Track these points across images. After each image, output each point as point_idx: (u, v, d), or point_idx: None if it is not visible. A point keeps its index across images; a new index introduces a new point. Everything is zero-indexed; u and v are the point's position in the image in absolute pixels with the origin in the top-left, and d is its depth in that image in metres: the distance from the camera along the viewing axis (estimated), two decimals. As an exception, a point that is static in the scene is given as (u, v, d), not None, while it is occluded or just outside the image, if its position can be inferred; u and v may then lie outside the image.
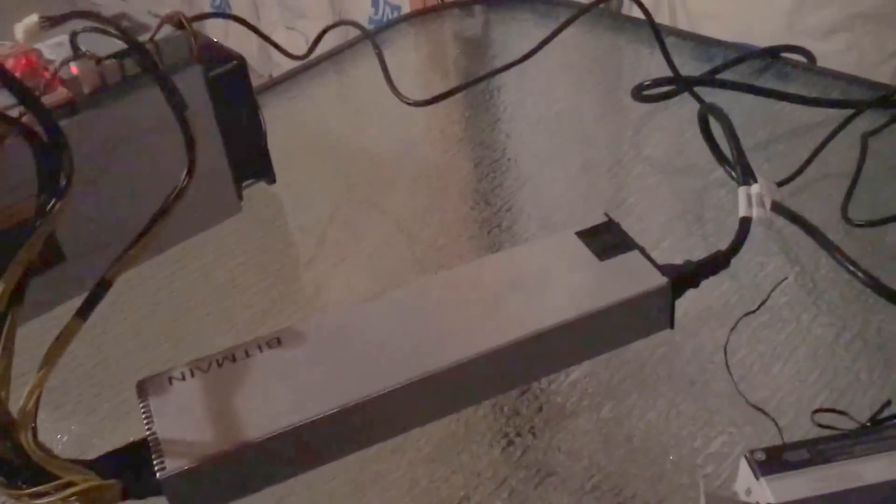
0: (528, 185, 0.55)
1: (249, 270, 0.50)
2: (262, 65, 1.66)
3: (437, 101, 0.60)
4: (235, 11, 1.73)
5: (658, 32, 0.61)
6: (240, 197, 0.53)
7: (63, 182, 0.38)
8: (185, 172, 0.41)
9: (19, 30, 0.42)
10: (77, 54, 0.43)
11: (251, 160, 0.53)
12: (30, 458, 0.34)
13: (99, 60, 0.44)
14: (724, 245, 0.41)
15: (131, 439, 0.36)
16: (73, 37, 0.43)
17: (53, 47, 0.45)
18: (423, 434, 0.39)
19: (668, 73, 0.60)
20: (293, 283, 0.50)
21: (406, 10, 1.34)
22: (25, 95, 0.38)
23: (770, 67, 0.63)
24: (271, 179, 0.55)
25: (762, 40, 0.64)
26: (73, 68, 0.44)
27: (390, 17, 1.47)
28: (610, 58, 0.70)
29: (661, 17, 0.85)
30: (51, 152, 0.39)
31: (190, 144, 0.41)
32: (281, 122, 0.58)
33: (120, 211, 0.46)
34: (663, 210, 0.51)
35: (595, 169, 0.57)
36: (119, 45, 0.44)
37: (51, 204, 0.38)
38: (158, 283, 0.49)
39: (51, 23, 0.42)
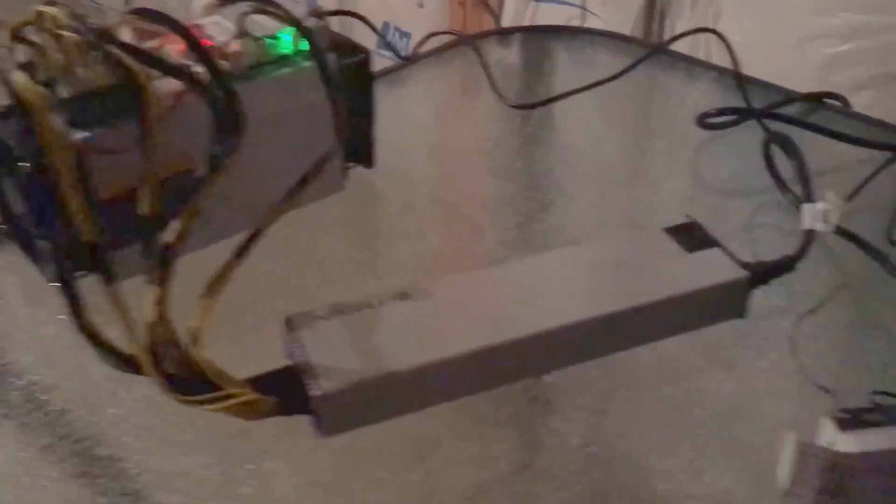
0: (605, 199, 0.61)
1: (351, 243, 0.56)
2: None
3: (536, 107, 0.66)
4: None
5: (736, 65, 0.68)
6: (345, 176, 0.58)
7: (235, 140, 0.44)
8: (330, 143, 0.46)
9: (198, 4, 0.47)
10: (242, 33, 0.49)
11: (359, 145, 0.59)
12: (197, 371, 0.39)
13: (258, 39, 0.50)
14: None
15: (273, 367, 0.41)
16: (242, 17, 0.49)
17: (211, 25, 0.51)
18: (525, 386, 0.44)
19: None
20: (394, 258, 0.56)
21: (415, 37, 1.40)
22: (209, 59, 0.44)
23: (813, 111, 0.70)
24: (370, 163, 0.60)
25: (794, 90, 0.71)
26: (235, 45, 0.49)
27: (399, 43, 1.52)
28: (679, 90, 0.76)
29: (701, 56, 0.92)
30: (225, 112, 0.44)
31: (338, 116, 0.47)
32: (382, 114, 0.63)
33: (267, 175, 0.51)
34: (721, 226, 0.58)
35: (663, 184, 0.63)
36: (268, 28, 0.50)
37: (224, 155, 0.43)
38: (274, 243, 0.54)
39: (225, 1, 0.48)
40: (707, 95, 0.73)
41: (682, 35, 0.72)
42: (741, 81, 0.67)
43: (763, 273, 0.47)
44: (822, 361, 0.46)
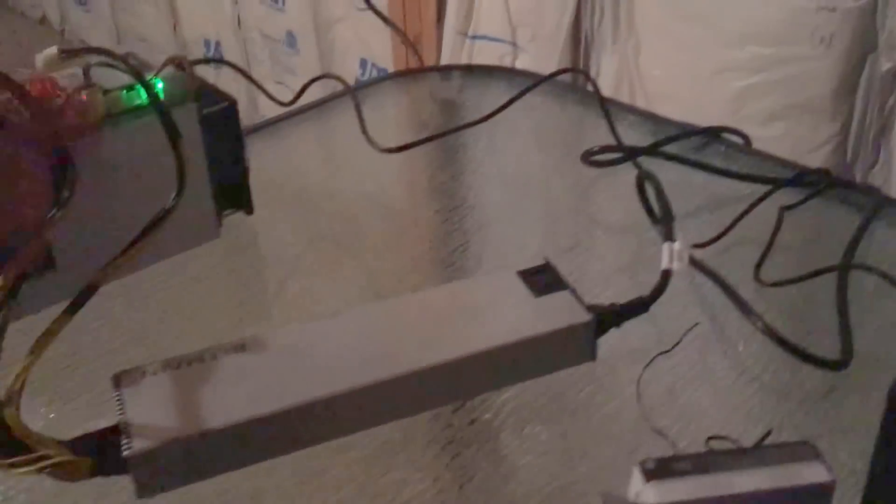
0: (482, 230, 0.61)
1: (223, 289, 0.55)
2: (249, 115, 1.74)
3: (406, 149, 0.66)
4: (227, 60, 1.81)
5: (604, 105, 0.68)
6: (219, 223, 0.58)
7: (66, 195, 0.43)
8: (174, 194, 0.46)
9: (40, 59, 0.47)
10: (88, 84, 0.49)
11: (233, 191, 0.59)
12: (11, 433, 0.38)
13: (106, 92, 0.50)
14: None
15: (103, 426, 0.41)
16: (87, 69, 0.49)
17: (68, 77, 0.51)
18: (365, 436, 0.43)
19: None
20: (261, 303, 0.56)
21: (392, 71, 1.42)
22: (46, 119, 0.44)
23: (709, 145, 0.69)
24: (250, 210, 0.60)
25: (709, 122, 0.71)
26: (84, 96, 0.49)
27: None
28: (569, 125, 0.77)
29: (621, 96, 0.93)
30: (56, 169, 0.44)
31: (180, 170, 0.47)
32: (263, 162, 0.63)
33: (111, 227, 0.51)
34: (600, 260, 0.57)
35: (544, 221, 0.63)
36: (125, 79, 0.50)
37: (52, 213, 0.43)
38: (139, 294, 0.54)
39: (68, 55, 0.48)
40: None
41: (547, 77, 0.72)
42: (609, 119, 0.67)
43: (614, 315, 0.47)
44: (667, 404, 0.45)
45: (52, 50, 0.46)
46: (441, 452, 0.44)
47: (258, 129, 0.72)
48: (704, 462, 0.36)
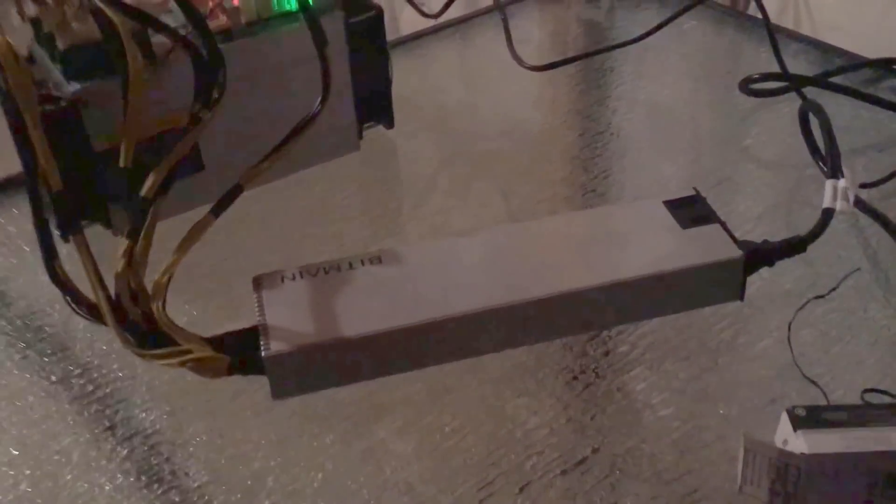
0: (626, 157, 0.58)
1: (360, 201, 0.55)
2: (390, 27, 1.72)
3: (552, 68, 0.64)
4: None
5: (770, 30, 0.63)
6: (360, 136, 0.58)
7: (215, 95, 0.44)
8: (318, 100, 0.46)
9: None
10: (239, -13, 0.49)
11: (375, 104, 0.58)
12: (157, 325, 0.40)
13: (256, -5, 0.49)
14: (807, 234, 0.44)
15: (242, 326, 0.42)
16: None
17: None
18: (497, 358, 0.43)
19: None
20: (396, 219, 0.55)
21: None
22: (195, 16, 0.44)
23: (881, 80, 0.64)
24: (390, 124, 0.60)
25: (881, 54, 0.65)
26: (235, 0, 0.49)
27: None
28: (727, 52, 0.72)
29: (786, 22, 0.86)
30: (208, 69, 0.44)
31: (326, 77, 0.46)
32: (405, 76, 0.62)
33: (256, 132, 0.51)
34: (753, 195, 0.54)
35: (693, 151, 0.60)
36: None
37: (202, 113, 0.43)
38: (280, 201, 0.54)
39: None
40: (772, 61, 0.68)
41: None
42: (774, 43, 0.62)
43: (766, 253, 0.44)
44: (819, 352, 0.42)
45: (208, -51, 0.46)
46: (573, 381, 0.43)
47: (402, 41, 0.71)
48: (860, 414, 0.34)
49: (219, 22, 0.49)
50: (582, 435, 0.40)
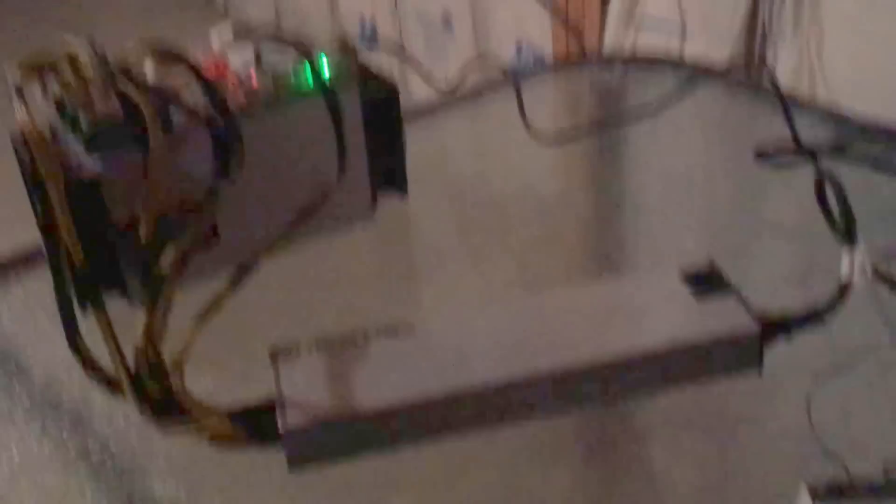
0: (642, 228, 0.59)
1: (374, 270, 0.56)
2: (403, 95, 1.75)
3: (567, 143, 0.64)
4: (382, 42, 1.83)
5: (784, 101, 0.63)
6: (374, 206, 0.59)
7: (234, 171, 0.45)
8: (335, 176, 0.47)
9: (215, 39, 0.49)
10: (258, 67, 0.50)
11: (390, 174, 0.59)
12: (176, 399, 0.40)
13: (276, 74, 0.51)
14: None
15: (259, 398, 0.42)
16: (258, 51, 0.50)
17: (237, 53, 0.52)
18: (513, 431, 0.42)
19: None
20: (411, 288, 0.56)
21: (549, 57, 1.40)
22: (215, 95, 0.45)
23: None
24: (404, 193, 0.60)
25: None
26: (254, 80, 0.50)
27: (531, 64, 1.52)
28: (740, 121, 0.72)
29: (800, 90, 0.87)
30: (226, 144, 0.45)
31: (342, 153, 0.47)
32: (418, 147, 0.63)
33: (272, 204, 0.52)
34: (769, 266, 0.54)
35: (709, 222, 0.60)
36: (289, 58, 0.51)
37: (220, 188, 0.44)
38: (294, 270, 0.55)
39: (237, 38, 0.49)
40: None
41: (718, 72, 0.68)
42: (788, 114, 0.63)
43: (784, 326, 0.44)
44: (840, 426, 0.42)
45: (227, 31, 0.47)
46: (590, 454, 0.42)
47: (415, 114, 0.72)
48: (882, 490, 0.33)
49: (238, 99, 0.50)
50: (600, 511, 0.40)
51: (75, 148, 0.48)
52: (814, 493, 0.33)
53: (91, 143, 0.47)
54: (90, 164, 0.47)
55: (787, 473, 0.40)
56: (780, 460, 0.41)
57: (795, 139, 0.60)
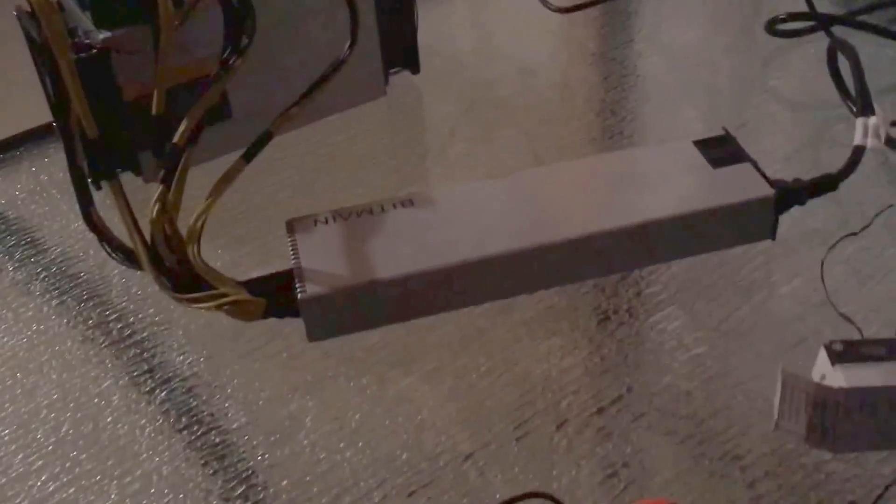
0: (652, 101, 0.58)
1: (387, 146, 0.55)
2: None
3: (578, 10, 0.63)
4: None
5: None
6: (386, 81, 0.58)
7: (245, 42, 0.43)
8: (346, 46, 0.45)
9: None
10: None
11: (401, 50, 0.58)
12: (193, 270, 0.40)
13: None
14: (836, 172, 0.44)
15: (276, 269, 0.42)
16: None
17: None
18: (529, 299, 0.43)
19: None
20: (422, 163, 0.55)
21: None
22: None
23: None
24: (416, 69, 0.59)
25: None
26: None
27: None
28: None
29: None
30: (237, 16, 0.44)
31: (354, 22, 0.46)
32: (430, 21, 0.62)
33: (284, 78, 0.51)
34: (781, 136, 0.53)
35: (720, 93, 0.59)
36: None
37: (232, 59, 0.43)
38: (308, 146, 0.55)
39: None
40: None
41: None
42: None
43: (797, 191, 0.44)
44: (853, 289, 0.42)
45: None
46: (606, 321, 0.43)
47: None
48: (898, 348, 0.34)
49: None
50: (616, 374, 0.40)
51: (83, 19, 0.46)
52: (832, 354, 0.34)
53: (98, 14, 0.45)
54: (98, 35, 0.46)
55: (802, 336, 0.41)
56: (794, 324, 0.42)
57: (810, 6, 0.59)
